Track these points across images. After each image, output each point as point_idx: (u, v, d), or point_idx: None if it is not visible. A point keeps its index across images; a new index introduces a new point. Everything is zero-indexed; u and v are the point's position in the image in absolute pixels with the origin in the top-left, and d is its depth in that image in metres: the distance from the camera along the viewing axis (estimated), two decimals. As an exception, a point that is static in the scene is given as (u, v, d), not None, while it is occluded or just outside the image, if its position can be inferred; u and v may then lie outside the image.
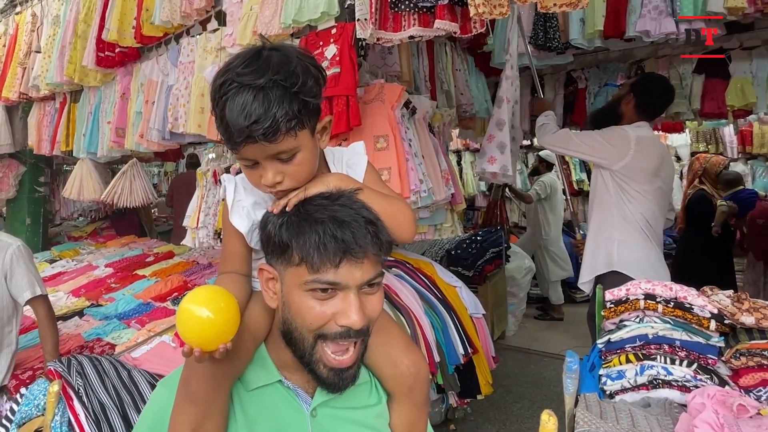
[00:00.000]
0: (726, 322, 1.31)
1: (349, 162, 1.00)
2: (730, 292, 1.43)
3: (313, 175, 0.89)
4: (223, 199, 0.97)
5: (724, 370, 1.30)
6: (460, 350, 2.32)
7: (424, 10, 1.97)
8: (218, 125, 0.82)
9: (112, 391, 1.70)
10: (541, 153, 5.22)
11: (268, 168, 0.84)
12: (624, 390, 1.33)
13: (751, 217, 3.92)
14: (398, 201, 0.97)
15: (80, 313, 2.74)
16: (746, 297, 1.37)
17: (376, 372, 0.97)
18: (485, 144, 2.62)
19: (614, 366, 1.36)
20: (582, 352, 1.52)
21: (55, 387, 1.57)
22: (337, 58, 2.07)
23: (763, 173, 6.87)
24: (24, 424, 1.60)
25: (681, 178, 6.37)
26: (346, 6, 2.13)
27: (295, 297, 0.80)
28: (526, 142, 6.14)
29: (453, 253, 3.85)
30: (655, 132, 3.95)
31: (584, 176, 6.74)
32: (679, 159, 6.92)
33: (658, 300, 1.38)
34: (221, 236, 1.63)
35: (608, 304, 1.47)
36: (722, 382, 1.26)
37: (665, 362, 1.31)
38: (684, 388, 1.27)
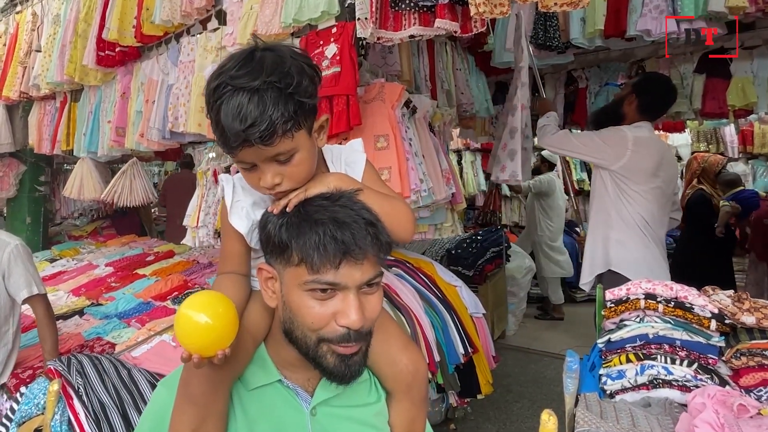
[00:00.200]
0: (726, 321, 1.31)
1: (348, 160, 0.99)
2: (731, 291, 1.42)
3: (312, 174, 0.89)
4: (222, 199, 0.96)
5: (724, 370, 1.30)
6: (461, 350, 2.33)
7: (425, 9, 1.97)
8: (214, 129, 0.81)
9: (112, 391, 1.70)
10: (543, 153, 5.22)
11: (266, 170, 0.83)
12: (624, 390, 1.32)
13: (757, 217, 3.89)
14: (398, 201, 0.97)
15: (80, 312, 2.75)
16: (747, 297, 1.36)
17: (375, 370, 0.97)
18: (499, 152, 2.65)
19: (614, 366, 1.36)
20: (582, 352, 1.52)
21: (55, 386, 1.57)
22: (338, 58, 2.07)
23: (764, 173, 6.87)
24: (24, 422, 1.61)
25: (681, 177, 6.37)
26: (346, 5, 2.13)
27: (295, 296, 0.79)
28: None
29: (453, 252, 3.86)
30: (656, 132, 3.93)
31: (584, 176, 6.75)
32: (680, 159, 6.92)
33: (658, 299, 1.38)
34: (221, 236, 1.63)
35: (608, 304, 1.47)
36: (723, 382, 1.26)
37: (665, 362, 1.31)
38: (684, 388, 1.27)
